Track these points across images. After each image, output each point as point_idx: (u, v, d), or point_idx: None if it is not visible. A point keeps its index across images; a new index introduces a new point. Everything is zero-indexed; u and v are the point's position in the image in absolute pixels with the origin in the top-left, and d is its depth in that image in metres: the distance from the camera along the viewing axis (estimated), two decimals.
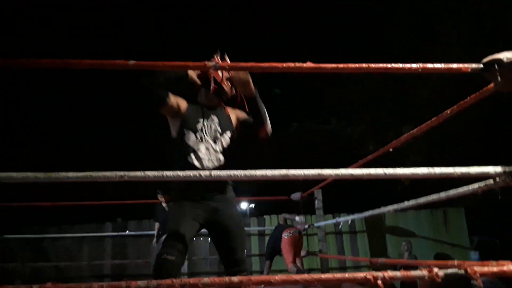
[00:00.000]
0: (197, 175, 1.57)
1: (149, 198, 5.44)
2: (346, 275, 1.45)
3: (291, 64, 1.50)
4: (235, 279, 1.31)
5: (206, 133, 2.16)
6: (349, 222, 5.16)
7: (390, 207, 3.15)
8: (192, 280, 1.32)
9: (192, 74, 2.17)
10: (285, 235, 4.96)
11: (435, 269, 1.49)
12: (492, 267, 1.55)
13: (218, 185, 2.12)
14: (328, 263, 6.37)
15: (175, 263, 1.84)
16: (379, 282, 1.46)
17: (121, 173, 1.35)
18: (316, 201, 5.93)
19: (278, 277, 1.36)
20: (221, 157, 2.15)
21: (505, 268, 1.51)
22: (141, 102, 2.08)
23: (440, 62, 1.63)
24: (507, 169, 1.62)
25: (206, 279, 1.29)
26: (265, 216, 7.25)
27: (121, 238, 6.66)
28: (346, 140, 9.26)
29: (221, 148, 2.17)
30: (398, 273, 1.52)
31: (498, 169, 1.62)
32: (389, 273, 1.48)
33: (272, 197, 6.21)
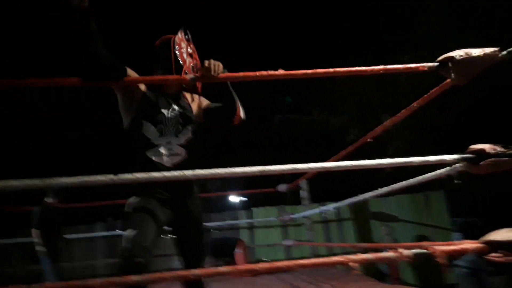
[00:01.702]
0: (178, 174, 1.65)
1: None
2: (322, 259, 1.62)
3: (264, 73, 1.65)
4: (224, 268, 1.46)
5: (167, 125, 1.94)
6: (331, 209, 5.36)
7: (367, 194, 3.35)
8: (183, 272, 1.48)
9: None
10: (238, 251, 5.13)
11: (402, 250, 1.67)
12: (454, 246, 1.73)
13: (183, 182, 1.94)
14: (318, 251, 6.60)
15: (144, 265, 1.64)
16: (351, 264, 1.64)
17: (112, 176, 1.48)
18: (302, 192, 6.12)
19: (263, 265, 1.52)
20: (183, 152, 1.96)
21: (464, 246, 1.69)
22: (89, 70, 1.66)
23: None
24: (462, 156, 1.81)
25: (196, 270, 1.45)
26: (252, 209, 7.43)
27: (113, 237, 6.77)
28: (329, 129, 9.53)
29: (183, 142, 1.97)
30: (369, 256, 1.70)
31: (454, 156, 1.80)
32: (361, 256, 1.66)
33: (259, 190, 6.37)
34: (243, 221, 7.26)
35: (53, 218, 5.00)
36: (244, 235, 7.23)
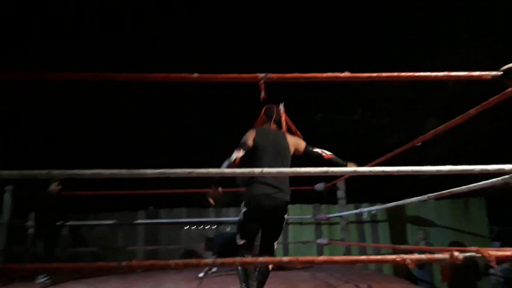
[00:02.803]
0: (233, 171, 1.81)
1: (179, 188, 5.77)
2: (379, 257, 1.69)
3: (331, 74, 1.73)
4: (285, 258, 1.57)
5: None
6: (374, 211, 5.36)
7: (413, 199, 3.36)
8: (250, 259, 1.59)
9: None
10: None
11: (455, 253, 1.72)
12: (506, 252, 1.76)
13: None
14: (350, 251, 6.60)
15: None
16: (408, 262, 1.70)
17: (190, 170, 1.61)
18: (339, 192, 6.15)
19: (321, 258, 1.61)
20: None
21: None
22: None
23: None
24: None
25: (261, 258, 1.56)
26: (288, 205, 7.48)
27: (153, 225, 7.04)
28: (371, 130, 9.43)
29: None
30: (423, 256, 1.75)
31: None
32: (416, 256, 1.71)
33: (296, 187, 6.41)
34: None
35: (53, 204, 5.15)
36: None
